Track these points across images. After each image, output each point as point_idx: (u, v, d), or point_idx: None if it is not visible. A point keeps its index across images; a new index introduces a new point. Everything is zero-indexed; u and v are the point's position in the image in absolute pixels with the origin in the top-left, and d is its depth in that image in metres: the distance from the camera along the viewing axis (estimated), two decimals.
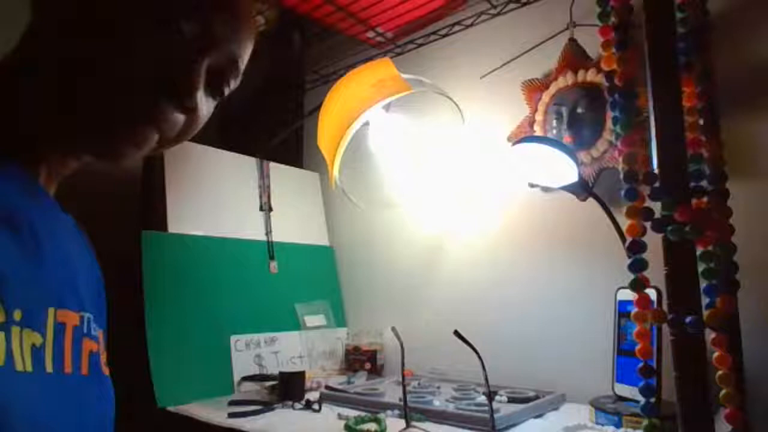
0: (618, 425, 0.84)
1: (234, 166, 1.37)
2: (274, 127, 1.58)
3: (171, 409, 1.02)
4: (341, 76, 1.13)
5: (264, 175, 1.42)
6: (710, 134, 0.52)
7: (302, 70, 1.65)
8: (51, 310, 0.42)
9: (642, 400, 0.48)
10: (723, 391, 0.45)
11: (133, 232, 1.13)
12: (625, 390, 0.90)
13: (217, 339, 1.18)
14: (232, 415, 0.95)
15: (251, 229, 1.35)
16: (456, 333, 0.82)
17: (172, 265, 1.15)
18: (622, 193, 0.49)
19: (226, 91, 0.51)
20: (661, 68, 0.49)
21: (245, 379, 1.17)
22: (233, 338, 1.20)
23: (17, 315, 0.38)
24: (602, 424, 0.87)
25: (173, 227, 1.18)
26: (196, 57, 0.45)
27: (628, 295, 0.76)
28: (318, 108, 1.12)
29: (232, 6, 0.48)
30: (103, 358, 0.49)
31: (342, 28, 1.35)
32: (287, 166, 1.51)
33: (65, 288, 0.45)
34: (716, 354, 0.45)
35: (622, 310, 0.94)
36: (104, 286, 0.55)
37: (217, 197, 1.30)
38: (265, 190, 1.41)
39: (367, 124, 1.14)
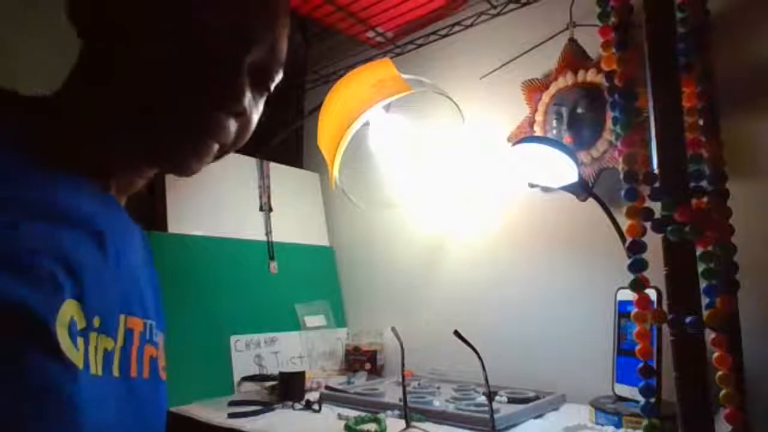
0: (618, 425, 0.84)
1: (234, 166, 1.37)
2: (274, 127, 1.58)
3: (171, 409, 1.02)
4: (341, 76, 1.13)
5: (264, 175, 1.42)
6: (710, 134, 0.52)
7: (303, 70, 1.65)
8: (122, 317, 0.43)
9: (642, 400, 0.48)
10: (723, 391, 0.45)
11: None
12: (625, 390, 0.90)
13: (217, 339, 1.18)
14: (232, 416, 0.95)
15: (251, 230, 1.35)
16: (456, 333, 0.82)
17: (172, 265, 1.15)
18: (622, 193, 0.49)
19: (272, 86, 0.51)
20: (661, 68, 0.49)
21: (245, 379, 1.17)
22: (233, 338, 1.20)
23: (96, 322, 0.39)
24: (602, 425, 0.86)
25: (173, 227, 1.18)
26: (236, 60, 0.45)
27: (628, 295, 0.76)
28: (318, 108, 1.12)
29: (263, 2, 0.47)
30: (161, 362, 0.51)
31: (342, 28, 1.35)
32: (287, 166, 1.51)
33: (134, 295, 0.46)
34: (716, 354, 0.45)
35: (622, 311, 0.94)
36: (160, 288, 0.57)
37: (217, 197, 1.30)
38: (265, 190, 1.41)
39: (367, 124, 1.14)
